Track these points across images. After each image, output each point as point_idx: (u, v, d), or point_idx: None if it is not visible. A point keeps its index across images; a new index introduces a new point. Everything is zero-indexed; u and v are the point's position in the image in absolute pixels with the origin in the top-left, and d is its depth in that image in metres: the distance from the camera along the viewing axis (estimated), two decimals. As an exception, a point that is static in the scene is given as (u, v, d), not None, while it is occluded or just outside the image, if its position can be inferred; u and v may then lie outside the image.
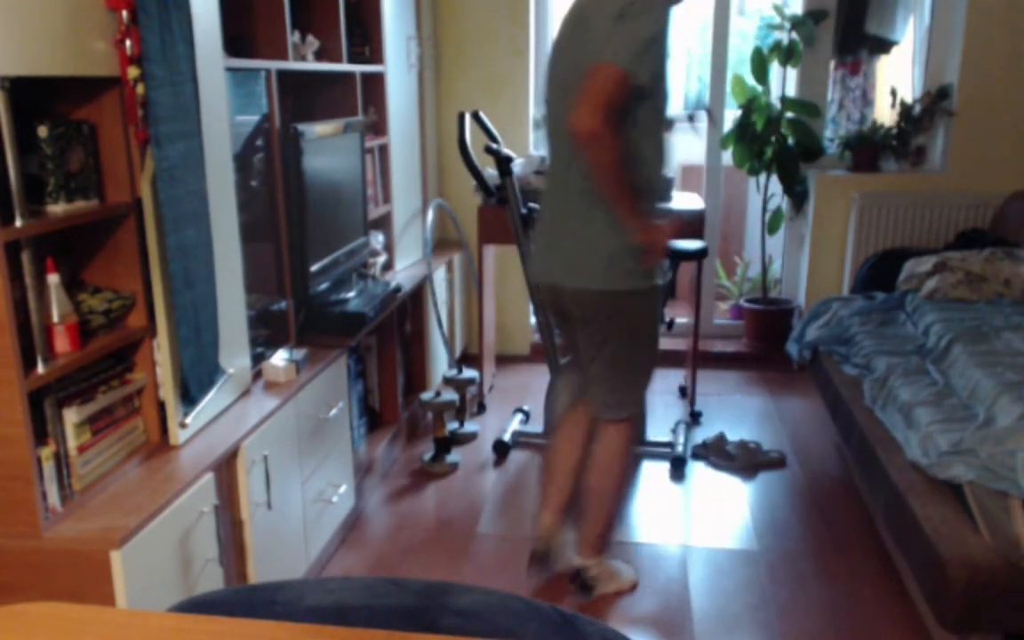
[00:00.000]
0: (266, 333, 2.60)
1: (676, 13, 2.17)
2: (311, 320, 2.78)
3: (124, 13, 1.76)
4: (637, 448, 2.42)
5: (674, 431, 3.52)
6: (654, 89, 2.13)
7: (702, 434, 3.57)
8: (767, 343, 4.40)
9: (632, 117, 2.13)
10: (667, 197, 2.27)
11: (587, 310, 2.28)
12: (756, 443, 3.35)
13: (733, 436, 3.52)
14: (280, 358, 2.46)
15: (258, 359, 2.46)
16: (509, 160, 3.32)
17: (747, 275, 4.90)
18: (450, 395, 3.37)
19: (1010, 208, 3.84)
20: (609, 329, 2.29)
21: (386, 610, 0.98)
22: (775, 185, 4.28)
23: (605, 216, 2.19)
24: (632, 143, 2.15)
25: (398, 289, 3.21)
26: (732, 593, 2.49)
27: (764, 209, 4.33)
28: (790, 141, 4.17)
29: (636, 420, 2.41)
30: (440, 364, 3.96)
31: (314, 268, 2.71)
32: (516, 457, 3.41)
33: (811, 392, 4.05)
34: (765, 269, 4.42)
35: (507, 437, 3.42)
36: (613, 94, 2.04)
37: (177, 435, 1.99)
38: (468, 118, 3.42)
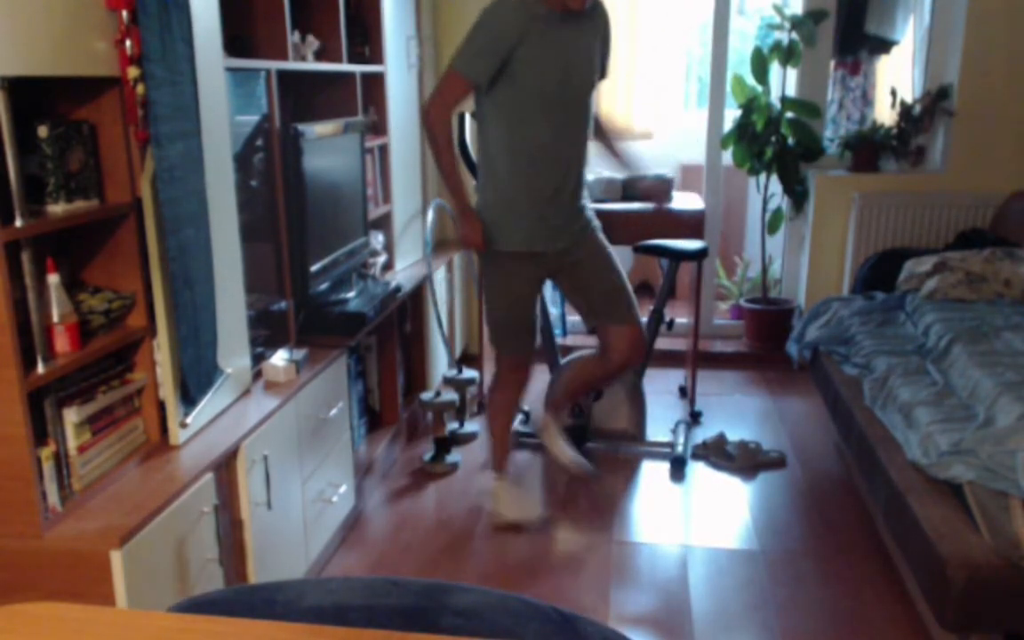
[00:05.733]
0: (266, 333, 2.60)
1: (519, 7, 2.35)
2: (311, 320, 2.78)
3: (124, 13, 1.77)
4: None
5: (674, 431, 3.52)
6: (508, 90, 2.42)
7: (702, 434, 3.57)
8: (767, 343, 4.40)
9: (480, 110, 2.50)
10: (541, 198, 2.54)
11: None
12: (756, 443, 3.35)
13: (733, 436, 3.52)
14: (280, 358, 2.46)
15: (258, 359, 2.46)
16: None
17: (747, 275, 4.90)
18: (450, 395, 3.37)
19: (1010, 208, 3.84)
20: None
21: (386, 610, 0.98)
22: (775, 185, 4.28)
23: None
24: (483, 134, 2.51)
25: (398, 289, 3.21)
26: (732, 593, 2.49)
27: (764, 209, 4.33)
28: (790, 141, 4.17)
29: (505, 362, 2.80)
30: (440, 364, 3.96)
31: (314, 268, 2.71)
32: (516, 457, 3.41)
33: (811, 392, 4.05)
34: (765, 269, 4.43)
35: (507, 437, 3.42)
36: (446, 91, 2.43)
37: (177, 435, 1.99)
38: (468, 118, 3.42)
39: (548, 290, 3.80)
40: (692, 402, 3.81)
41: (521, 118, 2.45)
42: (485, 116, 2.51)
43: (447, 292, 4.05)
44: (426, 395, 3.37)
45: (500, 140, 2.49)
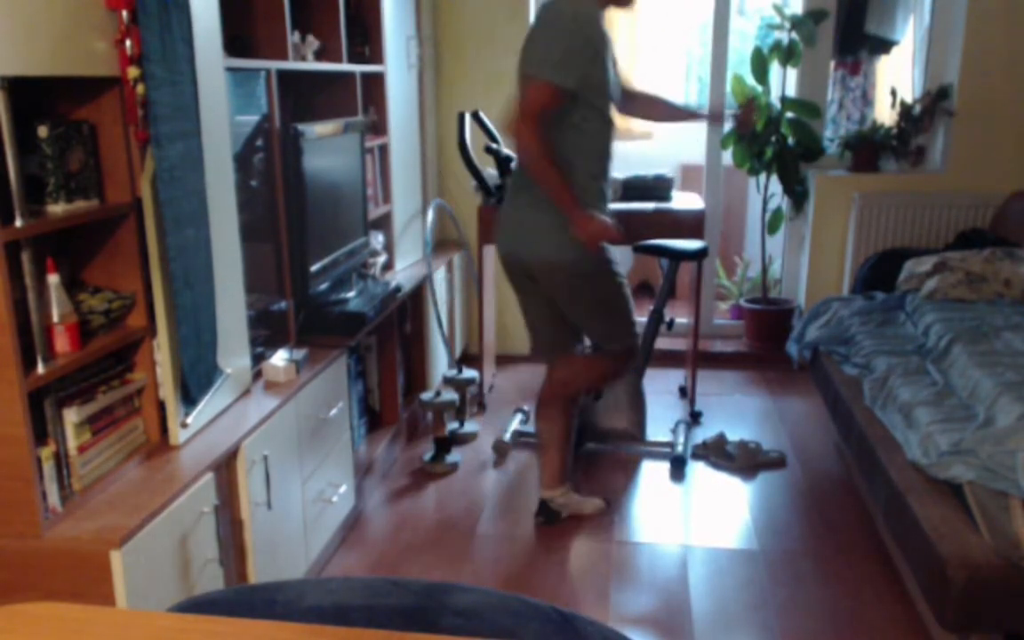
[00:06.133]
0: (266, 333, 2.60)
1: (606, 18, 2.46)
2: (311, 320, 2.78)
3: (124, 13, 1.77)
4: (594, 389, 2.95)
5: (674, 431, 3.52)
6: (584, 95, 2.41)
7: (702, 434, 3.57)
8: (767, 343, 4.40)
9: (564, 120, 2.44)
10: (603, 195, 2.60)
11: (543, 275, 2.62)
12: (756, 443, 3.35)
13: (733, 436, 3.52)
14: (280, 358, 2.46)
15: (258, 359, 2.46)
16: (509, 160, 3.32)
17: (747, 275, 4.90)
18: (450, 395, 3.37)
19: (1010, 208, 3.84)
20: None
21: (386, 610, 0.98)
22: (775, 185, 4.28)
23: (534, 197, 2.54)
24: (563, 144, 2.46)
25: (398, 289, 3.21)
26: (732, 593, 2.49)
27: (764, 209, 4.33)
28: (790, 141, 4.17)
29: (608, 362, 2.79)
30: (440, 364, 3.96)
31: (314, 268, 2.71)
32: (516, 457, 3.41)
33: (811, 392, 4.05)
34: (765, 269, 4.43)
35: (507, 437, 3.42)
36: (535, 104, 2.38)
37: (177, 435, 1.99)
38: (468, 118, 3.42)
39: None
40: (692, 402, 3.81)
41: (593, 119, 2.46)
42: (554, 123, 2.45)
43: (447, 292, 4.05)
44: (426, 395, 3.37)
45: (575, 144, 2.47)
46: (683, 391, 4.08)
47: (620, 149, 5.25)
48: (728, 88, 4.28)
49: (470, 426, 3.63)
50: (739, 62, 4.85)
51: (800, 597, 2.46)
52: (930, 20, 4.18)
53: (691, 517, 2.92)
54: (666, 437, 3.51)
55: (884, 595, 2.46)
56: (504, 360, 4.51)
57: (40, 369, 1.65)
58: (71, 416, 1.73)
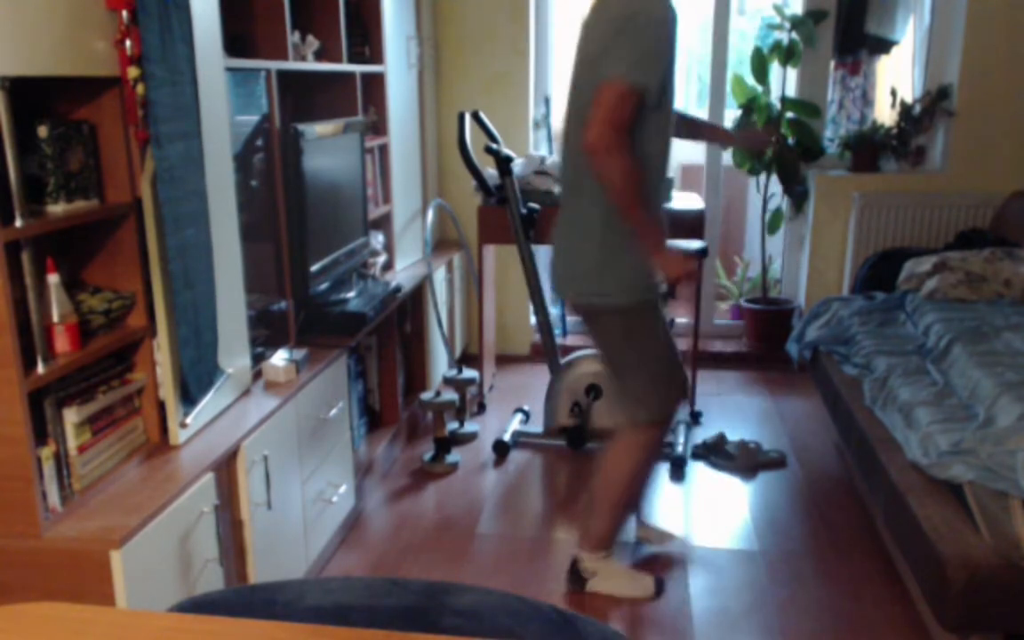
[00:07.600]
0: (266, 333, 2.60)
1: (679, 18, 2.13)
2: (311, 320, 2.78)
3: (124, 13, 1.77)
4: (651, 457, 2.45)
5: (674, 431, 3.52)
6: (660, 100, 2.13)
7: (702, 434, 3.57)
8: (767, 343, 4.40)
9: (639, 129, 2.12)
10: (666, 199, 2.29)
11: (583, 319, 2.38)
12: (756, 443, 3.35)
13: (733, 436, 3.52)
14: (280, 358, 2.46)
15: (258, 359, 2.46)
16: (509, 160, 3.32)
17: (747, 275, 4.90)
18: (450, 395, 3.37)
19: (1010, 208, 3.84)
20: (600, 339, 2.38)
21: (386, 610, 0.98)
22: (775, 185, 4.28)
23: (598, 231, 2.22)
24: (639, 153, 2.14)
25: (398, 289, 3.21)
26: (732, 593, 2.49)
27: (764, 209, 4.33)
28: (790, 141, 4.17)
29: (651, 429, 2.38)
30: (440, 364, 3.96)
31: (314, 268, 2.71)
32: (516, 457, 3.41)
33: (811, 392, 4.05)
34: (765, 269, 4.42)
35: (507, 437, 3.42)
36: (619, 110, 2.03)
37: (177, 435, 1.99)
38: (468, 118, 3.42)
39: (548, 288, 3.80)
40: (692, 402, 3.81)
41: (650, 136, 2.14)
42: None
43: (447, 292, 4.05)
44: (426, 395, 3.37)
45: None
46: (683, 391, 4.08)
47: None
48: (728, 88, 4.28)
49: (470, 426, 3.63)
50: (739, 62, 4.85)
51: (800, 597, 2.46)
52: (930, 20, 4.18)
53: (691, 517, 2.92)
54: (666, 437, 3.51)
55: (884, 595, 2.46)
56: (504, 360, 4.51)
57: (40, 369, 1.65)
58: (71, 416, 1.73)
